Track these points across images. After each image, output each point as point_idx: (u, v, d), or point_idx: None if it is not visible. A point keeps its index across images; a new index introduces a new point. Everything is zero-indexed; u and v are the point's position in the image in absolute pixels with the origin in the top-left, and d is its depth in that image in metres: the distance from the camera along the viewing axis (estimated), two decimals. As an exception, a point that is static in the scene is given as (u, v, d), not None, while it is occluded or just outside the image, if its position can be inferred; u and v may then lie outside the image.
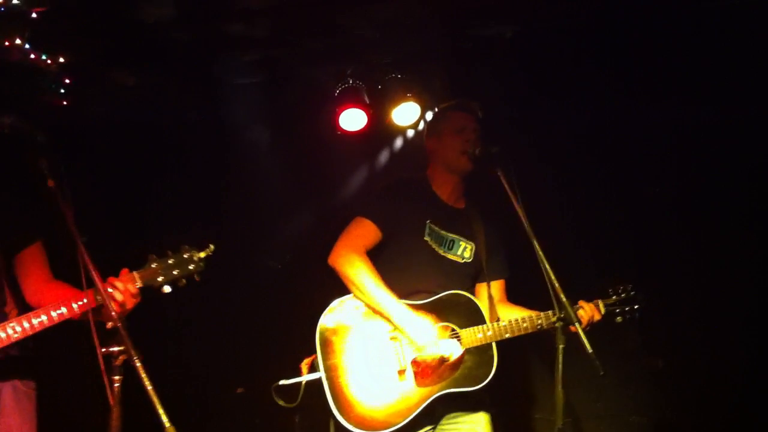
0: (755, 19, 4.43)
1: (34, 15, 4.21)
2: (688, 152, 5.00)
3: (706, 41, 4.59)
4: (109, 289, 2.83)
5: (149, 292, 2.98)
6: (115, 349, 2.46)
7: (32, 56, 4.46)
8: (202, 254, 3.02)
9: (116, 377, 2.47)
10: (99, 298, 2.73)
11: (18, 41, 4.29)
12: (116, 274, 2.94)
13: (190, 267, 2.98)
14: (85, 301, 2.83)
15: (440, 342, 3.56)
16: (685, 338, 4.99)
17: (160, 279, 2.95)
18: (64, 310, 2.83)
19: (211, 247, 3.05)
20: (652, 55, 4.76)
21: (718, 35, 4.55)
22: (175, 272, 2.96)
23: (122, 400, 2.47)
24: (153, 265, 2.96)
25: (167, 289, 2.96)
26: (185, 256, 2.99)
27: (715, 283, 4.92)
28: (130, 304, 2.90)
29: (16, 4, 4.10)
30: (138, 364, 2.39)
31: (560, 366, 3.04)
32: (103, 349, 2.48)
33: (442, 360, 3.55)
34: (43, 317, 2.82)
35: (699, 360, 4.97)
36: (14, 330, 2.80)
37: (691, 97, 4.84)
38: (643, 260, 4.97)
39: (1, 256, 3.02)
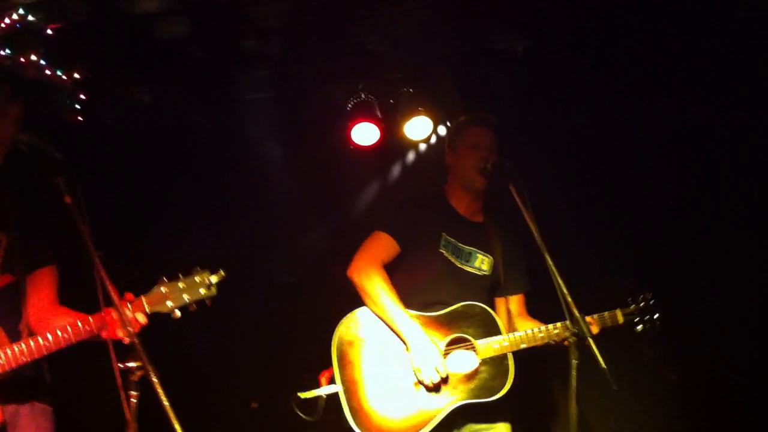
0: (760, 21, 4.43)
1: (49, 31, 4.25)
2: (700, 159, 4.99)
3: (710, 46, 4.59)
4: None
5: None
6: (132, 364, 2.47)
7: (48, 72, 4.49)
8: (215, 278, 2.87)
9: (133, 393, 2.48)
10: (115, 314, 2.71)
11: (33, 57, 4.33)
12: (132, 291, 2.87)
13: (202, 292, 2.84)
14: (88, 325, 2.79)
15: (442, 369, 3.56)
16: (700, 353, 4.96)
17: (169, 304, 2.82)
18: (71, 331, 2.79)
19: (222, 272, 2.90)
20: (665, 66, 4.76)
21: (723, 40, 4.55)
22: (185, 297, 2.83)
23: (139, 416, 2.47)
24: (162, 290, 2.83)
25: (177, 314, 2.83)
26: (197, 279, 2.85)
27: (733, 297, 4.89)
28: (136, 329, 2.77)
29: (31, 21, 4.14)
30: (155, 380, 2.39)
31: (574, 381, 3.04)
32: (120, 365, 2.49)
33: (443, 383, 3.56)
34: (50, 338, 2.78)
35: (714, 374, 4.93)
36: (21, 352, 2.77)
37: (700, 103, 4.84)
38: (659, 272, 4.95)
39: (21, 273, 3.00)
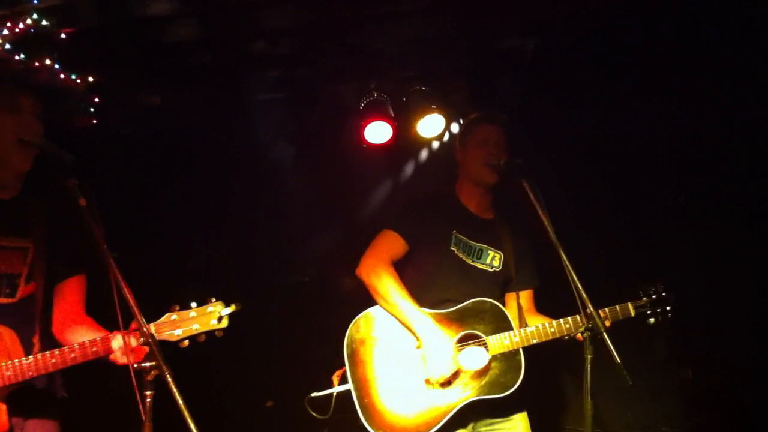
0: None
1: (62, 36, 4.28)
2: (710, 157, 4.98)
3: (720, 50, 4.58)
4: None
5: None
6: (147, 364, 2.48)
7: (61, 76, 4.53)
8: (228, 310, 2.80)
9: (148, 392, 2.48)
10: (119, 342, 2.73)
11: (47, 61, 4.37)
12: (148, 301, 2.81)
13: (212, 323, 2.79)
14: (97, 347, 2.81)
15: (457, 356, 3.57)
16: (716, 349, 4.94)
17: (177, 333, 2.77)
18: (79, 351, 2.81)
19: (236, 305, 2.82)
20: (673, 64, 4.76)
21: (734, 45, 4.54)
22: (195, 327, 2.78)
23: (154, 415, 2.48)
24: (173, 317, 2.79)
25: (186, 343, 2.79)
26: (209, 310, 2.80)
27: (747, 294, 4.87)
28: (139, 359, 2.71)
29: (45, 25, 4.17)
30: (169, 379, 2.41)
31: (588, 376, 3.03)
32: (135, 365, 2.50)
33: (456, 377, 3.57)
34: (58, 355, 2.81)
35: (729, 371, 4.91)
36: (29, 366, 2.80)
37: (712, 104, 4.83)
38: (673, 270, 4.93)
39: (43, 283, 3.02)
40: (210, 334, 2.81)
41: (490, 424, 3.72)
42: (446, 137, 5.28)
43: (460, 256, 3.87)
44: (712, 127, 4.86)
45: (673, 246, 5.05)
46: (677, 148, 5.02)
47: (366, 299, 3.76)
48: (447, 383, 3.59)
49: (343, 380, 3.61)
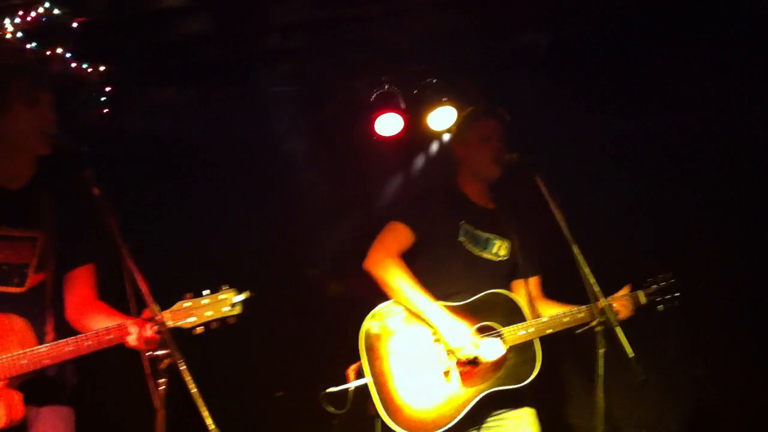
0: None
1: (75, 25, 4.29)
2: (725, 155, 4.98)
3: (738, 45, 4.57)
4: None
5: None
6: (160, 352, 2.48)
7: (73, 65, 4.54)
8: (241, 297, 2.80)
9: (161, 380, 2.48)
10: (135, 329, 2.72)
11: (59, 51, 4.38)
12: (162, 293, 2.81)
13: (225, 310, 2.79)
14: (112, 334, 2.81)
15: (478, 343, 3.57)
16: (726, 348, 4.93)
17: (191, 320, 2.77)
18: (94, 340, 2.80)
19: (248, 292, 2.83)
20: (682, 61, 4.77)
21: (753, 40, 4.52)
22: (208, 314, 2.78)
23: (167, 403, 2.49)
24: (186, 305, 2.79)
25: (199, 330, 2.79)
26: (222, 297, 2.80)
27: (761, 294, 4.86)
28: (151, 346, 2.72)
29: (58, 15, 4.18)
30: (182, 368, 2.41)
31: (601, 370, 3.04)
32: (149, 353, 2.51)
33: (480, 360, 3.57)
34: (73, 344, 2.80)
35: (740, 370, 4.90)
36: (45, 355, 2.79)
37: (727, 100, 4.82)
38: (685, 269, 4.92)
39: (53, 273, 3.03)
40: (223, 321, 2.80)
41: (498, 415, 3.72)
42: (455, 128, 5.28)
43: (467, 247, 3.87)
44: (726, 123, 4.84)
45: (686, 243, 5.04)
46: (691, 144, 5.00)
47: (379, 293, 3.75)
48: (466, 375, 3.59)
49: (359, 374, 3.61)
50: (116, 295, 2.86)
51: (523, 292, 3.89)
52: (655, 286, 3.78)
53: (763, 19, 4.45)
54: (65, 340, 2.81)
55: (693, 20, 4.57)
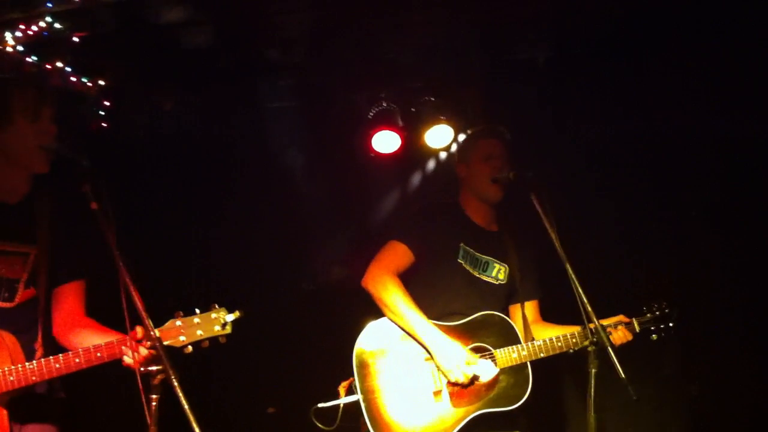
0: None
1: (75, 39, 4.31)
2: (727, 163, 4.99)
3: (744, 55, 4.58)
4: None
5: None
6: (154, 368, 2.47)
7: (73, 79, 4.55)
8: (231, 317, 2.78)
9: (154, 396, 2.48)
10: (140, 327, 2.70)
11: (59, 65, 4.39)
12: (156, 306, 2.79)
13: (216, 329, 2.77)
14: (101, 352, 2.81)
15: (470, 363, 3.57)
16: (721, 364, 4.93)
17: (182, 339, 2.75)
18: (83, 357, 2.79)
19: (239, 312, 2.80)
20: (680, 64, 4.76)
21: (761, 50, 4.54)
22: (198, 333, 2.76)
23: (159, 419, 2.49)
24: (177, 323, 2.76)
25: (189, 349, 2.77)
26: (213, 316, 2.78)
27: (756, 310, 4.86)
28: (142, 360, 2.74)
29: (58, 29, 4.20)
30: (176, 384, 2.40)
31: (593, 390, 3.03)
32: (142, 369, 2.50)
33: (473, 381, 3.57)
34: (62, 360, 2.79)
35: (735, 386, 4.90)
36: (33, 372, 2.79)
37: (726, 108, 4.83)
38: (680, 283, 4.93)
39: (44, 289, 3.02)
40: (214, 340, 2.79)
41: None
42: (454, 148, 5.29)
43: (467, 268, 3.87)
44: (731, 129, 4.85)
45: (679, 262, 5.05)
46: (690, 157, 5.01)
47: (374, 310, 3.76)
48: (456, 395, 3.59)
49: (349, 391, 3.61)
50: (106, 309, 2.86)
51: (519, 316, 3.88)
52: (649, 315, 3.75)
53: (763, 19, 4.46)
54: (54, 357, 2.81)
55: (693, 26, 4.56)
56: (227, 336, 2.80)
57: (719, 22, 4.50)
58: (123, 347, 2.78)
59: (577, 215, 4.58)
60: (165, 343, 2.73)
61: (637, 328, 3.73)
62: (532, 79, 5.01)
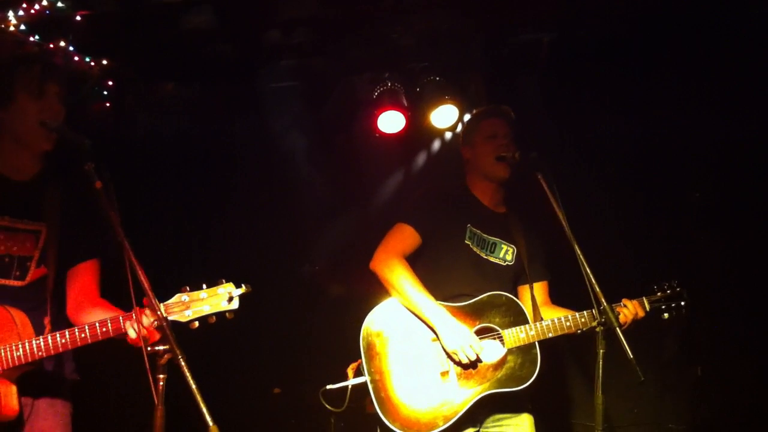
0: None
1: (78, 18, 4.29)
2: (727, 158, 4.98)
3: (747, 51, 4.56)
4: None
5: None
6: (160, 348, 2.47)
7: (75, 59, 4.53)
8: (239, 291, 2.76)
9: (161, 376, 2.48)
10: (146, 301, 2.65)
11: (62, 44, 4.37)
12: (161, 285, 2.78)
13: (223, 305, 2.74)
14: (106, 327, 2.81)
15: (477, 345, 3.56)
16: (724, 347, 4.93)
17: (188, 313, 2.74)
18: (89, 332, 2.80)
19: (247, 287, 2.79)
20: (683, 59, 4.76)
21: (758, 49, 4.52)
22: (205, 308, 2.75)
23: (166, 399, 2.48)
24: (183, 298, 2.76)
25: (196, 324, 2.75)
26: (220, 291, 2.76)
27: (757, 291, 4.85)
28: (152, 340, 2.70)
29: (60, 8, 4.18)
30: (182, 363, 2.39)
31: (600, 371, 3.03)
32: (149, 348, 2.49)
33: (479, 361, 3.56)
34: (68, 336, 2.80)
35: (738, 369, 4.91)
36: (39, 347, 2.80)
37: (732, 102, 4.81)
38: (683, 266, 4.93)
39: (54, 267, 3.02)
40: (220, 315, 2.77)
41: (498, 420, 3.71)
42: (459, 128, 5.27)
43: (475, 249, 3.86)
44: (732, 125, 4.84)
45: (686, 245, 5.04)
46: (695, 145, 5.01)
47: (380, 292, 3.75)
48: (464, 376, 3.59)
49: (357, 373, 3.61)
50: (115, 290, 2.85)
51: (528, 297, 3.86)
52: (660, 293, 3.72)
53: (763, 19, 4.44)
54: (60, 332, 2.81)
55: (697, 20, 4.55)
56: (234, 312, 2.77)
57: (719, 22, 4.49)
58: (127, 322, 2.77)
59: (583, 197, 4.57)
60: (171, 317, 2.72)
61: (648, 307, 3.70)
62: (536, 62, 5.00)
